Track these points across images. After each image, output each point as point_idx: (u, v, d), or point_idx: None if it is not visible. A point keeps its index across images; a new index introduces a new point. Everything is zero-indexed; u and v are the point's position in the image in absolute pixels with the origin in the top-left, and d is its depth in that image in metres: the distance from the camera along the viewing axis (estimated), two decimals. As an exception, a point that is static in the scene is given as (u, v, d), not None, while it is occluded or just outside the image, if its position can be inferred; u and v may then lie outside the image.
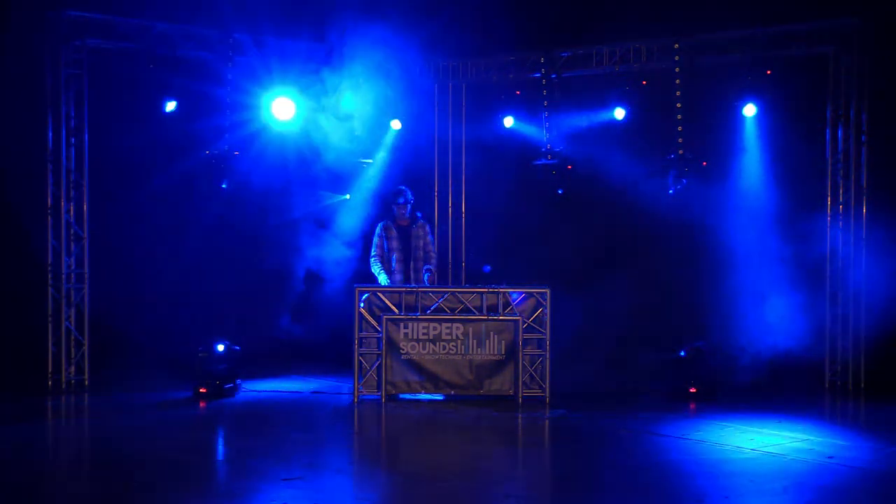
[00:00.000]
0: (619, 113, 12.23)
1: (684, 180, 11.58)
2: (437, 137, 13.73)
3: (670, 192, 11.62)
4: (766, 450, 8.06)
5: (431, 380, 10.23)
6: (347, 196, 12.58)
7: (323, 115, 11.98)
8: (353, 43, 11.63)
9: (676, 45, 11.62)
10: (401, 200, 10.81)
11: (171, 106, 11.20)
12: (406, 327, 10.22)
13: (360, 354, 10.20)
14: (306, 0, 11.94)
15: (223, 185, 11.42)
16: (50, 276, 10.95)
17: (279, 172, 12.22)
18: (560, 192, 12.82)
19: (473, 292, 10.32)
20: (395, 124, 12.63)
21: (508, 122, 13.00)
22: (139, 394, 10.44)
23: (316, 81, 11.85)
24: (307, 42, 12.07)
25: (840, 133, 11.02)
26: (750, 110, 11.37)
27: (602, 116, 12.35)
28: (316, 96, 11.91)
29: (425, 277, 10.77)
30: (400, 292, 10.25)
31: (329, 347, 12.44)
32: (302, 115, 11.88)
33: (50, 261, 10.95)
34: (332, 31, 11.80)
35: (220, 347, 10.45)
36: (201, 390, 10.24)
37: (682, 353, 10.70)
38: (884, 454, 8.07)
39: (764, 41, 11.25)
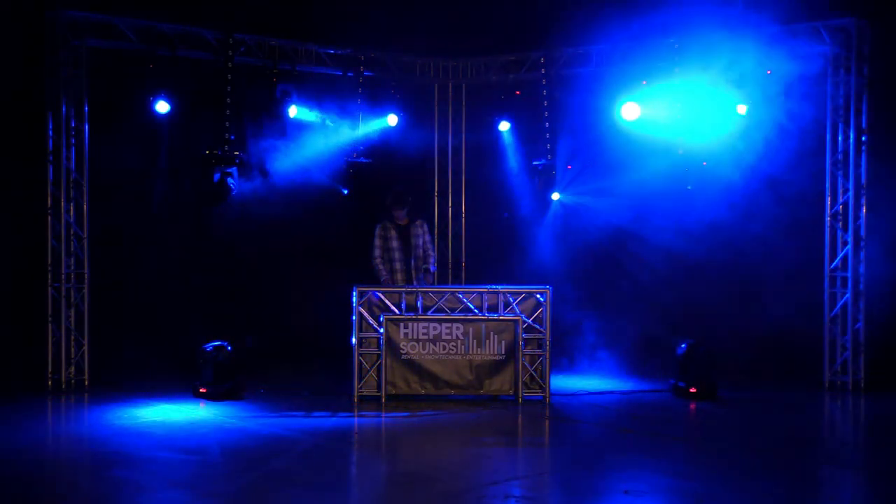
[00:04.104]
0: (630, 112, 12.06)
1: (689, 185, 11.61)
2: (436, 137, 13.75)
3: (689, 187, 11.63)
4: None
5: (431, 380, 10.23)
6: (345, 192, 12.57)
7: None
8: None
9: (676, 45, 11.63)
10: (398, 203, 10.75)
11: (167, 106, 11.18)
12: (406, 327, 10.22)
13: (360, 354, 10.19)
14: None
15: (231, 186, 11.40)
16: (50, 276, 10.95)
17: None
18: (558, 196, 12.85)
19: (473, 292, 10.32)
20: (392, 120, 12.62)
21: (508, 122, 12.99)
22: (139, 394, 10.43)
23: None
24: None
25: (840, 133, 11.02)
26: (744, 109, 11.36)
27: (604, 115, 12.32)
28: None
29: (420, 277, 10.79)
30: (400, 292, 10.25)
31: (332, 347, 12.44)
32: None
33: (50, 261, 10.95)
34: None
35: (220, 347, 10.43)
36: (201, 390, 10.24)
37: (680, 351, 10.70)
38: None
39: (764, 41, 11.25)
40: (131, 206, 11.94)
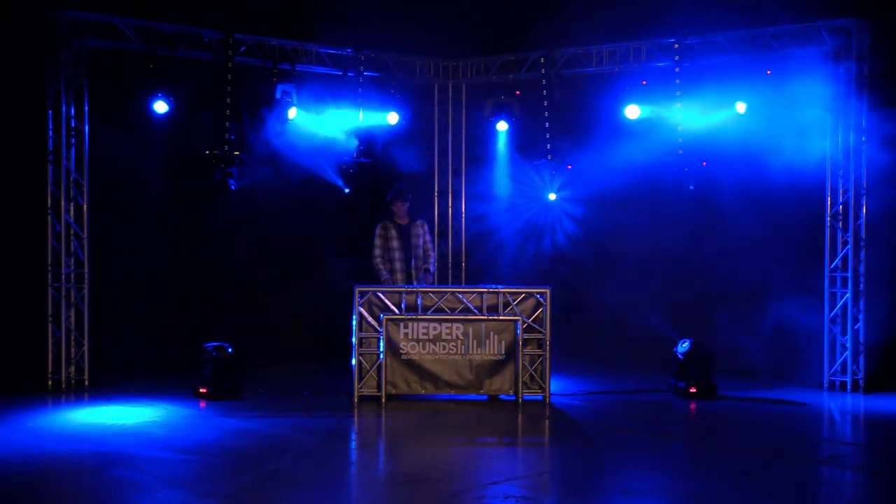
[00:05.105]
0: (631, 113, 11.97)
1: (691, 184, 11.61)
2: (436, 137, 13.76)
3: (690, 188, 11.63)
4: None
5: (431, 380, 10.23)
6: (347, 191, 12.58)
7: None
8: None
9: (676, 45, 11.63)
10: (399, 200, 10.85)
11: (166, 106, 11.16)
12: (406, 327, 10.22)
13: (360, 354, 10.20)
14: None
15: (232, 186, 11.40)
16: (50, 276, 10.94)
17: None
18: (556, 196, 12.85)
19: (473, 292, 10.32)
20: (392, 119, 12.60)
21: (508, 122, 12.98)
22: (139, 394, 10.43)
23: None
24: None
25: (840, 133, 11.01)
26: (743, 107, 11.34)
27: (604, 115, 12.29)
28: None
29: (420, 277, 10.80)
30: (400, 292, 10.25)
31: (332, 347, 12.45)
32: None
33: (50, 261, 10.94)
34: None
35: (220, 347, 10.43)
36: (201, 390, 10.23)
37: (680, 351, 10.70)
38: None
39: (765, 41, 11.26)
40: (131, 206, 11.94)
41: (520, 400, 10.16)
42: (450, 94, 13.74)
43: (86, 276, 11.13)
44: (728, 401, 10.34)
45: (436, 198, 13.85)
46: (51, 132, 10.93)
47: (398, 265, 10.83)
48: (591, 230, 13.04)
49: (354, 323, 10.18)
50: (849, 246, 10.97)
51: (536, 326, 10.26)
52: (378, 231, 10.88)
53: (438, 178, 13.89)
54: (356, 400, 10.11)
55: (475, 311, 10.25)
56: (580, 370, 12.15)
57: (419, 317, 10.19)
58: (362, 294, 10.20)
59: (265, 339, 12.60)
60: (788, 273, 11.64)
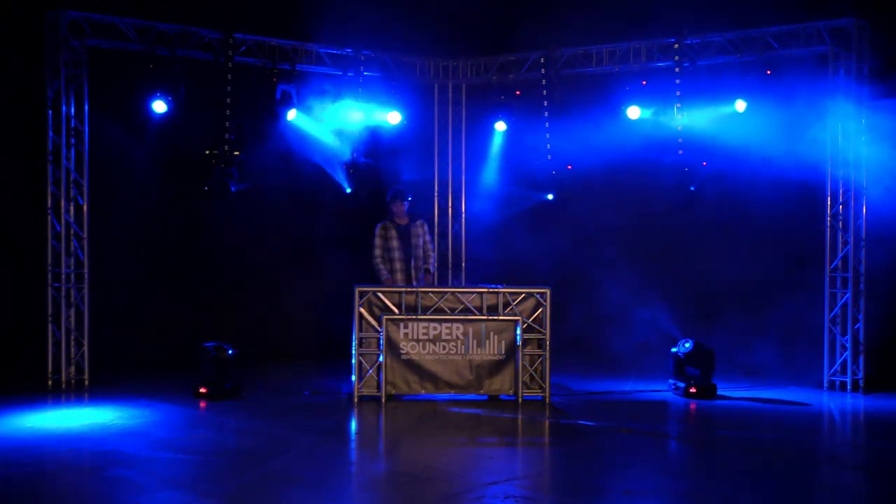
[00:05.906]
0: (631, 113, 12.01)
1: (692, 184, 11.61)
2: (436, 137, 13.77)
3: (691, 188, 11.63)
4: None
5: (431, 380, 10.23)
6: (347, 191, 12.59)
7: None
8: None
9: (676, 45, 11.63)
10: (398, 200, 10.86)
11: (166, 106, 11.16)
12: (406, 327, 10.22)
13: (360, 354, 10.20)
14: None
15: (231, 186, 11.41)
16: (50, 276, 10.95)
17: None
18: (552, 196, 12.86)
19: (473, 292, 10.32)
20: (392, 119, 12.59)
21: (508, 122, 12.99)
22: (139, 394, 10.43)
23: None
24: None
25: (840, 132, 11.01)
26: (743, 106, 11.34)
27: (604, 115, 12.30)
28: None
29: (420, 277, 10.81)
30: (400, 292, 10.25)
31: (332, 347, 12.45)
32: None
33: (50, 261, 10.95)
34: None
35: (220, 347, 10.43)
36: (201, 390, 10.23)
37: (680, 351, 10.71)
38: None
39: (764, 41, 11.26)
40: (131, 206, 11.95)
41: (520, 400, 10.16)
42: (450, 94, 13.75)
43: (86, 276, 11.14)
44: (728, 400, 10.34)
45: (436, 198, 13.86)
46: (51, 132, 10.94)
47: (398, 265, 10.83)
48: (590, 230, 13.04)
49: (354, 323, 10.18)
50: (849, 246, 10.98)
51: (536, 326, 10.26)
52: (378, 231, 10.88)
53: (438, 178, 13.89)
54: (356, 400, 10.12)
55: (475, 311, 10.25)
56: (580, 370, 12.16)
57: (419, 317, 10.19)
58: (362, 294, 10.20)
59: (265, 339, 12.61)
60: (788, 273, 11.65)
